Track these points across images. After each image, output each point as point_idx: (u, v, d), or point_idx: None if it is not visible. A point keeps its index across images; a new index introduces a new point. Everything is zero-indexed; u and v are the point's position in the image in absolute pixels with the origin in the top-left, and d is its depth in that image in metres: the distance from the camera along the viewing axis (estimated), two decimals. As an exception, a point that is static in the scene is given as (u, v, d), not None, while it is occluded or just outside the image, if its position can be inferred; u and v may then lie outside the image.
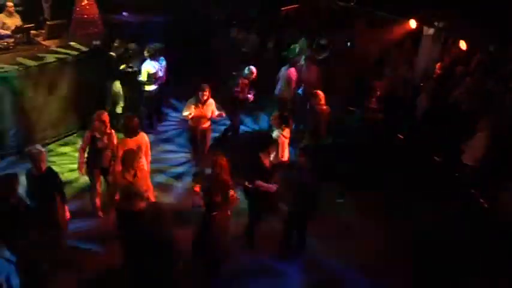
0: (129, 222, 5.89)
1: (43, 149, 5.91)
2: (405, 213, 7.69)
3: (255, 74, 9.23)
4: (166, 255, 5.10)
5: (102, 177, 7.19)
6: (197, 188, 6.31)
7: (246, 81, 9.26)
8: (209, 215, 5.87)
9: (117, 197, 6.00)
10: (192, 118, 7.98)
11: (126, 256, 5.95)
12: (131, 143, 6.70)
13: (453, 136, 8.29)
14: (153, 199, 6.31)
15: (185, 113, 7.99)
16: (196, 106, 7.92)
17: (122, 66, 9.49)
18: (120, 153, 6.37)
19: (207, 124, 8.24)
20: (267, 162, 6.56)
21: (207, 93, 7.90)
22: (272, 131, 7.58)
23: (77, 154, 7.24)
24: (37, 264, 4.79)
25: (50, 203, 5.82)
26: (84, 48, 9.43)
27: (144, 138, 6.97)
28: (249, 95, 9.34)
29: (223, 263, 6.25)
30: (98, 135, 6.81)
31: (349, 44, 11.67)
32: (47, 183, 5.82)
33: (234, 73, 9.82)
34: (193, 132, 8.25)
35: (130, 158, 5.88)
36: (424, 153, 8.70)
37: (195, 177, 8.04)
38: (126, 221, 5.99)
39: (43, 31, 9.89)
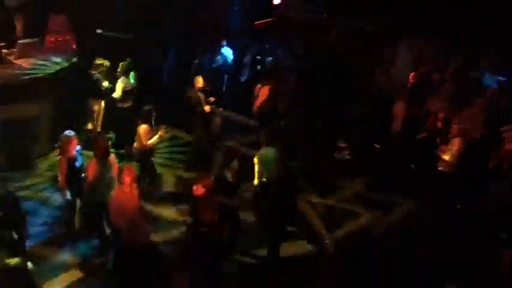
0: None
1: None
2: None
3: (201, 83, 9.18)
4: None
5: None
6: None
7: (197, 92, 9.15)
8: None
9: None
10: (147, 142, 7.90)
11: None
12: (101, 163, 6.64)
13: (430, 144, 8.23)
14: None
15: (151, 140, 7.86)
16: (151, 129, 7.92)
17: (105, 84, 9.37)
18: (90, 174, 6.48)
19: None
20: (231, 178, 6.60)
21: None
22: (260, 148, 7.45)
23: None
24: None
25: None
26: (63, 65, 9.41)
27: (114, 158, 6.97)
28: (206, 106, 9.23)
29: (220, 265, 6.21)
30: (71, 156, 6.76)
31: (329, 55, 11.63)
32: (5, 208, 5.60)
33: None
34: (144, 154, 8.11)
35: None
36: (402, 162, 8.65)
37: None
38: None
39: (15, 50, 9.79)
